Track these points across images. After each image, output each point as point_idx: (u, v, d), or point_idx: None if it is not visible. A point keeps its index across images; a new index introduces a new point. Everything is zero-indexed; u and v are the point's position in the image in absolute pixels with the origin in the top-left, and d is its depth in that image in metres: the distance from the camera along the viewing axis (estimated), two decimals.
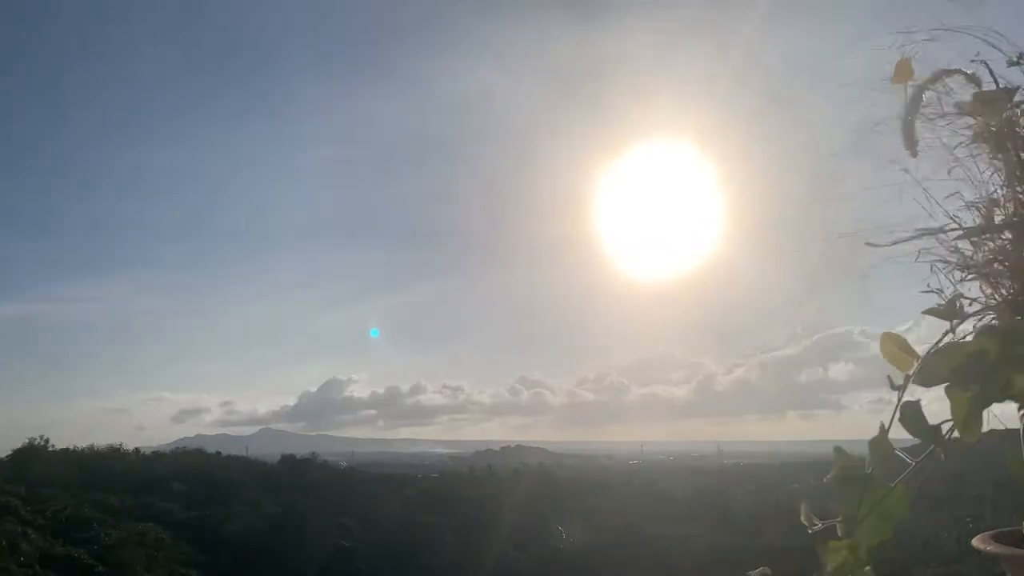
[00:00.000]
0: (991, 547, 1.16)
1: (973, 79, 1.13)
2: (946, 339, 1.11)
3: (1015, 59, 1.16)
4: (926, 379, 1.06)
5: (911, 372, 1.10)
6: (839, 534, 1.15)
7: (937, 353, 1.07)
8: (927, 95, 1.14)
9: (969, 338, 1.08)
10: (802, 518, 1.18)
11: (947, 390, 1.04)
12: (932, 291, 1.21)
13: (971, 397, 1.02)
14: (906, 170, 1.19)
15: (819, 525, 1.17)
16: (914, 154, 1.15)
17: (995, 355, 1.01)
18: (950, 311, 1.11)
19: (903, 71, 1.16)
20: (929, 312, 1.13)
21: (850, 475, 1.14)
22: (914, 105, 1.13)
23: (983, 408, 1.02)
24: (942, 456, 1.08)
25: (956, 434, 1.05)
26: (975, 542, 1.19)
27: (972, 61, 1.13)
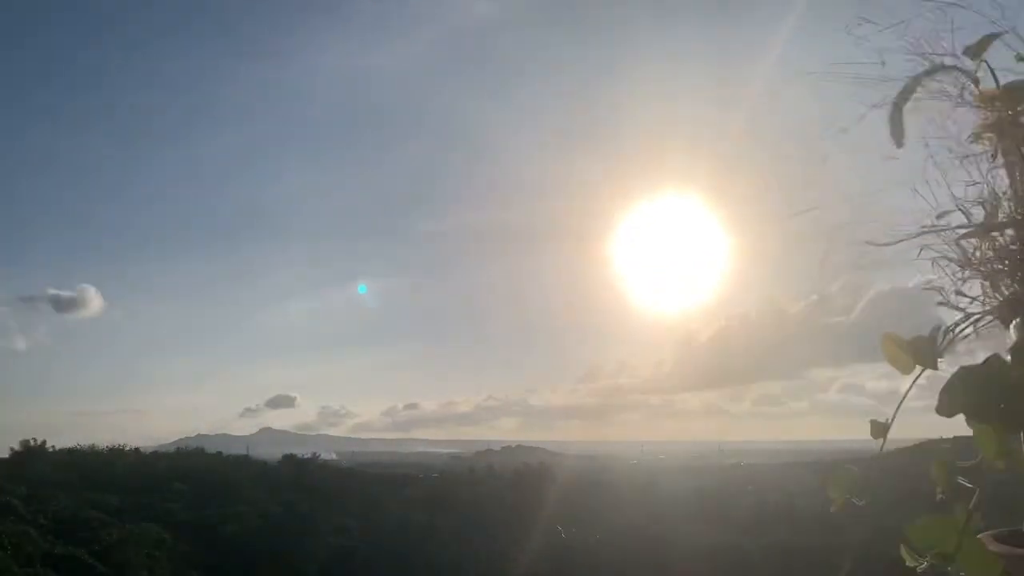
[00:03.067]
0: (991, 547, 1.14)
1: (970, 75, 1.11)
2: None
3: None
4: (946, 410, 1.03)
5: (912, 376, 1.09)
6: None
7: (950, 384, 1.02)
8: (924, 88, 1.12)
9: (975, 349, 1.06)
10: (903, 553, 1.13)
11: (969, 422, 1.02)
12: (932, 288, 1.20)
13: (997, 429, 0.99)
14: (894, 164, 1.17)
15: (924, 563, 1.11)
16: (899, 145, 1.13)
17: (1009, 381, 0.98)
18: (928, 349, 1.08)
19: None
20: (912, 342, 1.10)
21: None
22: (904, 95, 1.11)
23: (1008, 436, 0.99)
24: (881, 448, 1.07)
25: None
26: None
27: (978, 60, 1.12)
